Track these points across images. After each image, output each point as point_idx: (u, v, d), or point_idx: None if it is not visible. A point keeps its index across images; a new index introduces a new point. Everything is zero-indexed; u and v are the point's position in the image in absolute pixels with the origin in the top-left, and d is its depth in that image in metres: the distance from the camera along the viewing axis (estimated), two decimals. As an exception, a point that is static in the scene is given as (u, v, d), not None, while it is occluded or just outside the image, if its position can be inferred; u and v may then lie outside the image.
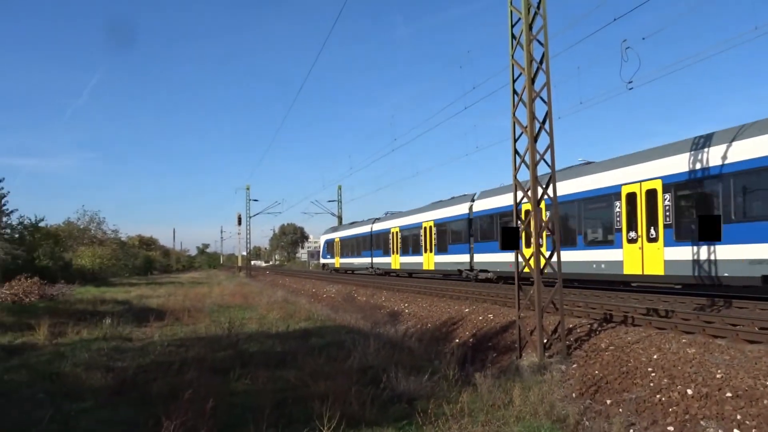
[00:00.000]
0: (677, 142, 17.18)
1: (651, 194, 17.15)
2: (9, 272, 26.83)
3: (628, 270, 18.15)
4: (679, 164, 16.39)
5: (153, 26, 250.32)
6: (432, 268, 32.51)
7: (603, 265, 19.20)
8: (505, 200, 23.44)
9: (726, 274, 14.84)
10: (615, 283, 19.86)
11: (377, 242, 43.40)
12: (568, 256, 19.02)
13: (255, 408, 7.49)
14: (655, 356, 9.95)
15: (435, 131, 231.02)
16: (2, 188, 35.04)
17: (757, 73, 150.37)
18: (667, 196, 16.64)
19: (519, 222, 12.78)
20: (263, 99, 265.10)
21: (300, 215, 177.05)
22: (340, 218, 68.57)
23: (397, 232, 38.66)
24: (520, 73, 12.23)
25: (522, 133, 12.26)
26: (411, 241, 35.85)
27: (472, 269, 28.24)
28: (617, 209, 18.51)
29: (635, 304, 15.02)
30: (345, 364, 10.37)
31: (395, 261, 38.99)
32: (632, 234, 17.91)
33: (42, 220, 40.40)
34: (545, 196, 12.29)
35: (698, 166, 15.83)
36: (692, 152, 16.05)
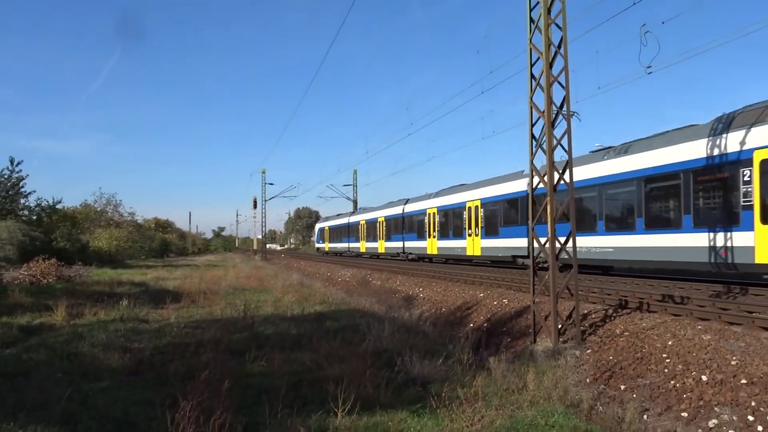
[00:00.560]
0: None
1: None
2: (27, 254, 27.13)
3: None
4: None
5: (169, 11, 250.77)
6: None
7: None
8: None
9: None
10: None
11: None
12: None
13: (270, 389, 7.55)
14: (669, 342, 9.91)
15: (451, 116, 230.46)
16: (20, 170, 35.63)
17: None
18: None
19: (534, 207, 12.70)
20: (279, 83, 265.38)
21: (316, 199, 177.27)
22: (355, 202, 68.56)
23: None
24: (538, 58, 12.12)
25: (539, 117, 12.18)
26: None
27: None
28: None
29: (650, 290, 14.94)
30: (360, 347, 10.42)
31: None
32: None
33: (59, 202, 40.90)
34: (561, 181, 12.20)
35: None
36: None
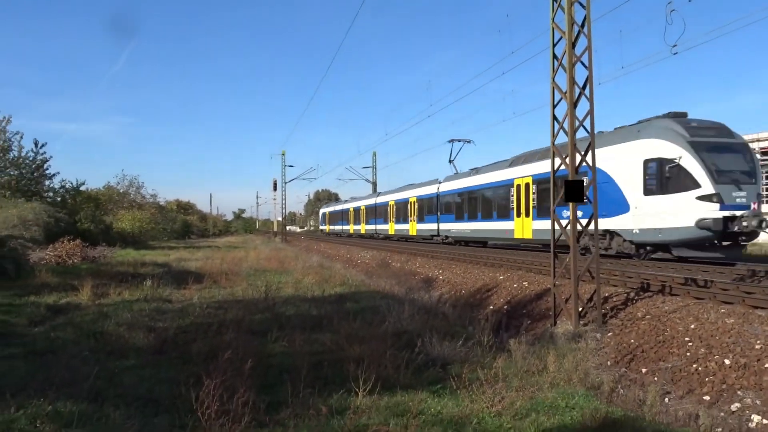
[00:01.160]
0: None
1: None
2: (52, 234, 27.50)
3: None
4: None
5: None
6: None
7: None
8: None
9: None
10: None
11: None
12: None
13: (292, 369, 7.62)
14: (692, 326, 9.85)
15: (472, 97, 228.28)
16: (44, 153, 36.04)
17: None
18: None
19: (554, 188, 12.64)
20: (299, 64, 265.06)
21: (335, 181, 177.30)
22: (374, 184, 68.64)
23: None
24: (561, 37, 11.97)
25: (561, 98, 12.06)
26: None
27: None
28: None
29: (673, 273, 14.82)
30: (380, 328, 10.47)
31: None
32: None
33: (83, 184, 41.39)
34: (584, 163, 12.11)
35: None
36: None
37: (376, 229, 50.39)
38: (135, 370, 8.12)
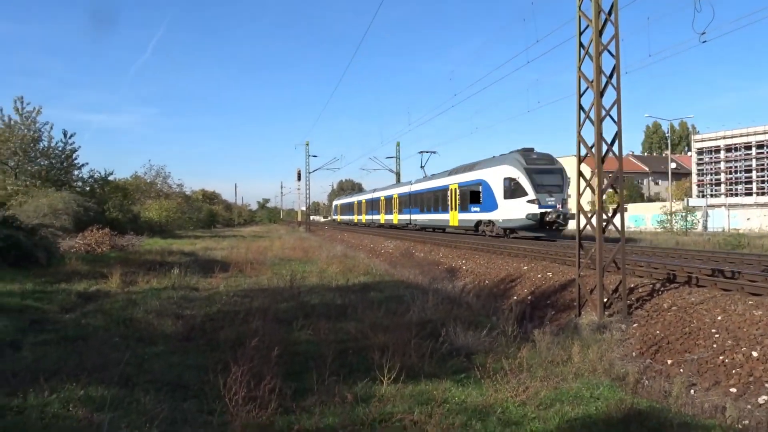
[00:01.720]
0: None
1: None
2: (81, 223, 27.98)
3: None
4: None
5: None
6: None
7: None
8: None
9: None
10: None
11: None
12: None
13: (317, 357, 7.71)
14: (719, 317, 9.75)
15: (495, 86, 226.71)
16: (73, 143, 36.56)
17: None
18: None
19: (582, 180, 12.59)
20: (323, 54, 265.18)
21: (358, 171, 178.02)
22: (398, 174, 68.60)
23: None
24: (587, 25, 11.85)
25: (588, 87, 11.95)
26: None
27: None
28: None
29: (700, 264, 14.65)
30: (404, 317, 10.53)
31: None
32: None
33: (111, 173, 41.96)
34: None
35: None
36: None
37: (372, 219, 61.73)
38: (164, 357, 8.28)
